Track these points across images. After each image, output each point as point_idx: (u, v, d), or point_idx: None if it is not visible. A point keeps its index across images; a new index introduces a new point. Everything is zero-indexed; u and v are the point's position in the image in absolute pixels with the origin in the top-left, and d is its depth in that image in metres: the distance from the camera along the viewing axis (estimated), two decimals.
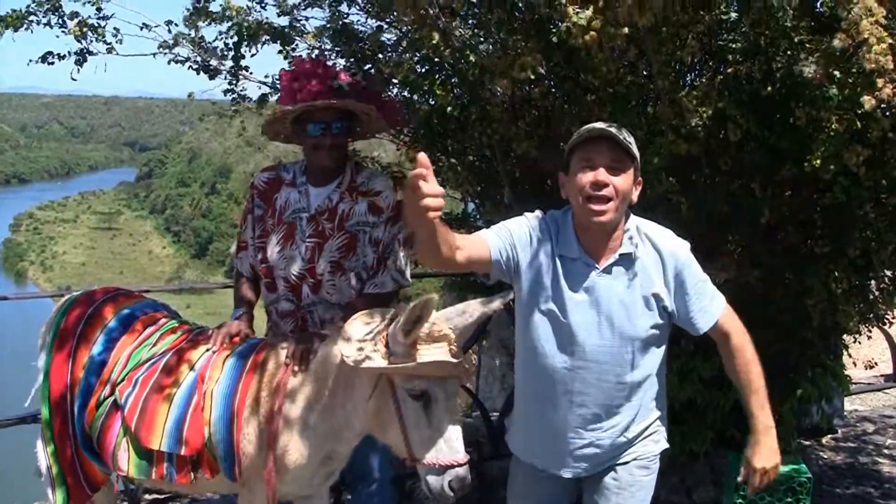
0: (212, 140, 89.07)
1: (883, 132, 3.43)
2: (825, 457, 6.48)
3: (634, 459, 2.95)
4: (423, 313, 2.69)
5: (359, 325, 2.92)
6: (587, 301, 2.78)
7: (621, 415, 2.88)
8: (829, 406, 6.75)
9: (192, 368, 3.28)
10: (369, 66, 4.48)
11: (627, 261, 2.77)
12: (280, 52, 4.65)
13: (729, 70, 3.95)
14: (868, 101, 3.00)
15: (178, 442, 3.15)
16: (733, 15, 3.83)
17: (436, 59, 4.23)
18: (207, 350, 3.34)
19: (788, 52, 3.69)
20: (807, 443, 6.54)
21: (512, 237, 2.84)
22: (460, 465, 2.77)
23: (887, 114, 3.40)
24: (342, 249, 3.47)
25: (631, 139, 2.74)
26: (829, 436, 6.93)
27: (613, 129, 2.70)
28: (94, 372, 3.38)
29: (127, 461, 3.23)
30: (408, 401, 2.80)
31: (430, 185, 2.33)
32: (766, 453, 2.87)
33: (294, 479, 3.19)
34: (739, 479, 2.94)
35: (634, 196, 2.78)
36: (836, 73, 3.24)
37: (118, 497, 5.00)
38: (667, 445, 3.04)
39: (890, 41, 2.90)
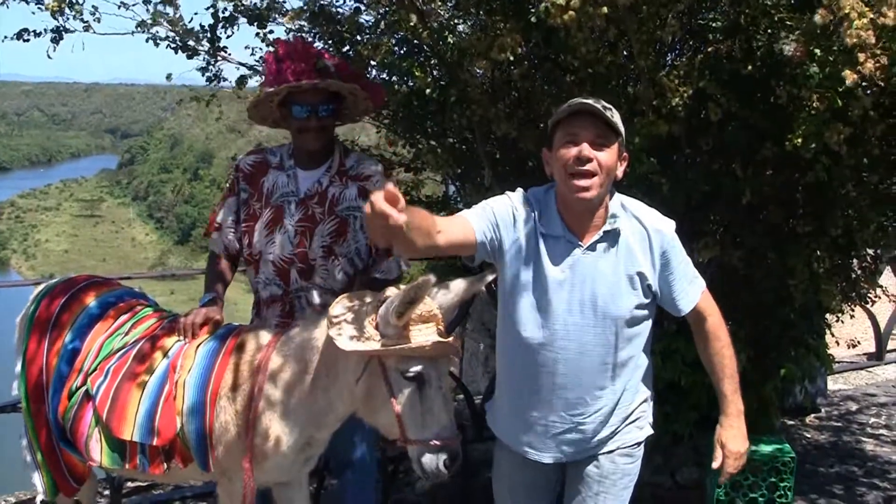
0: (193, 126, 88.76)
1: (864, 110, 3.41)
2: (809, 436, 6.51)
3: (618, 448, 2.92)
4: (417, 295, 2.67)
5: (341, 308, 2.88)
6: (570, 279, 2.74)
7: (604, 398, 2.83)
8: (813, 385, 6.80)
9: (164, 357, 3.24)
10: (347, 48, 4.44)
11: (612, 238, 2.73)
12: (257, 34, 4.60)
13: (709, 49, 3.92)
14: (850, 77, 2.97)
15: (150, 432, 3.12)
16: None
17: (414, 41, 4.20)
18: (178, 340, 3.30)
19: (769, 31, 3.66)
20: (790, 422, 6.59)
21: (494, 216, 2.79)
22: (454, 444, 2.79)
23: (868, 91, 3.37)
24: (333, 234, 3.44)
25: (616, 114, 2.70)
26: (813, 415, 6.97)
27: (597, 104, 2.65)
28: (67, 361, 3.35)
29: (100, 452, 3.20)
30: (401, 382, 2.79)
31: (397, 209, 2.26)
32: (739, 437, 2.88)
33: (273, 466, 3.15)
34: (714, 464, 2.90)
35: (620, 172, 2.74)
36: (817, 50, 3.21)
37: (101, 484, 4.99)
38: (651, 432, 3.00)
39: (871, 16, 2.87)
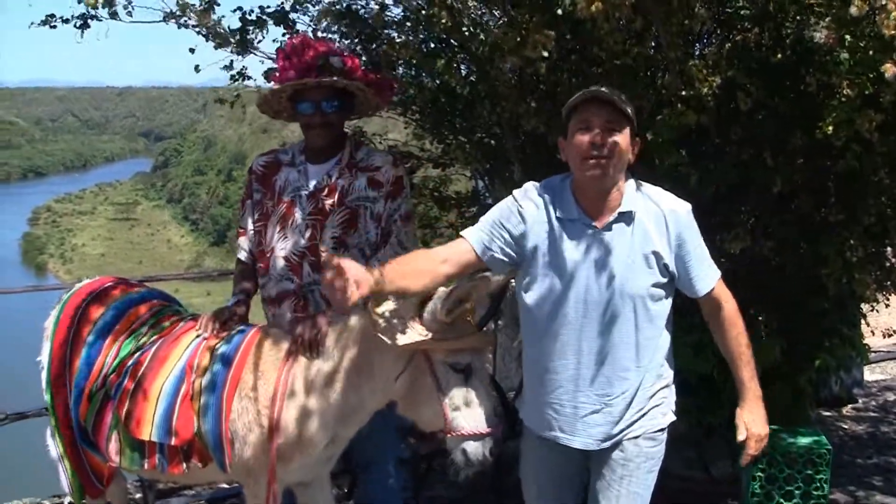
0: (226, 127, 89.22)
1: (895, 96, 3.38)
2: (845, 427, 6.46)
3: (643, 433, 2.94)
4: (469, 294, 2.82)
5: (384, 308, 2.91)
6: (588, 260, 2.80)
7: (630, 378, 2.87)
8: (848, 376, 6.73)
9: (181, 357, 3.25)
10: (375, 45, 4.44)
11: (627, 218, 2.79)
12: (284, 34, 4.61)
13: (737, 38, 3.89)
14: (889, 70, 2.95)
15: (168, 432, 3.14)
16: None
17: (443, 38, 4.19)
18: (198, 336, 3.32)
19: (797, 18, 3.63)
20: (826, 413, 6.52)
21: (494, 221, 2.89)
22: (497, 432, 2.93)
23: None
24: (343, 225, 3.46)
25: (626, 101, 2.77)
26: (850, 406, 6.90)
27: (608, 91, 2.75)
28: (87, 362, 3.37)
29: (118, 452, 3.23)
30: (450, 375, 2.89)
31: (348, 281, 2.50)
32: (759, 421, 2.92)
33: (298, 465, 3.17)
34: (739, 437, 2.93)
35: (631, 156, 2.80)
36: (847, 37, 3.18)
37: (134, 485, 5.05)
38: (674, 418, 3.02)
39: None
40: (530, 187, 2.93)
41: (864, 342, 5.37)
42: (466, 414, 2.89)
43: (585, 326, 2.83)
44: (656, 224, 2.79)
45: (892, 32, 2.85)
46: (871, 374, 7.84)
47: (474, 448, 2.88)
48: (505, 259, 2.87)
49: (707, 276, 2.85)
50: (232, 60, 4.77)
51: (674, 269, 2.81)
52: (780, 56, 3.75)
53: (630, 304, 2.79)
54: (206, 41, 4.51)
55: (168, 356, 3.27)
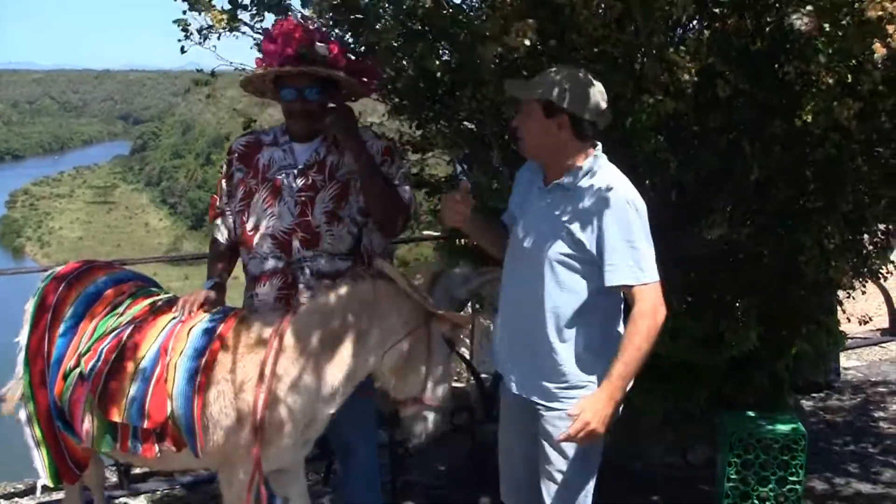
0: (205, 111, 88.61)
1: (874, 84, 3.39)
2: (822, 413, 6.49)
3: (559, 411, 3.01)
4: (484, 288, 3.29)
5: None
6: (528, 218, 3.12)
7: (547, 345, 3.03)
8: (825, 362, 6.76)
9: (156, 339, 3.22)
10: (361, 30, 4.38)
11: (561, 189, 3.02)
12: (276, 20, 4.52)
13: (717, 25, 3.89)
14: (879, 50, 2.95)
15: (141, 415, 3.10)
16: None
17: (424, 22, 4.15)
18: (173, 319, 3.29)
19: (777, 6, 3.63)
20: (803, 399, 6.55)
21: (513, 197, 3.31)
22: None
23: (879, 66, 3.35)
24: (335, 199, 3.45)
25: (545, 84, 3.00)
26: (826, 392, 6.94)
27: (514, 84, 3.13)
28: (64, 343, 3.35)
29: (92, 434, 3.20)
30: (442, 347, 3.15)
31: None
32: (594, 410, 2.81)
33: (279, 450, 3.15)
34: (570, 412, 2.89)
35: (556, 130, 3.00)
36: (826, 25, 3.18)
37: (110, 470, 5.03)
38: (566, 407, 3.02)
39: None
40: (527, 164, 3.30)
41: (841, 329, 5.40)
42: (437, 384, 3.15)
43: (514, 279, 3.15)
44: (589, 203, 2.94)
45: (879, 13, 2.85)
46: (847, 360, 7.88)
47: (434, 418, 3.16)
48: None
49: (619, 272, 2.89)
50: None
51: (591, 250, 2.93)
52: (759, 44, 3.75)
53: (543, 265, 3.01)
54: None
55: (143, 338, 3.23)
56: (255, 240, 3.50)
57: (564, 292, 2.99)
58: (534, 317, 3.03)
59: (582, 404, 2.85)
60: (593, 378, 2.99)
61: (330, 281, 3.31)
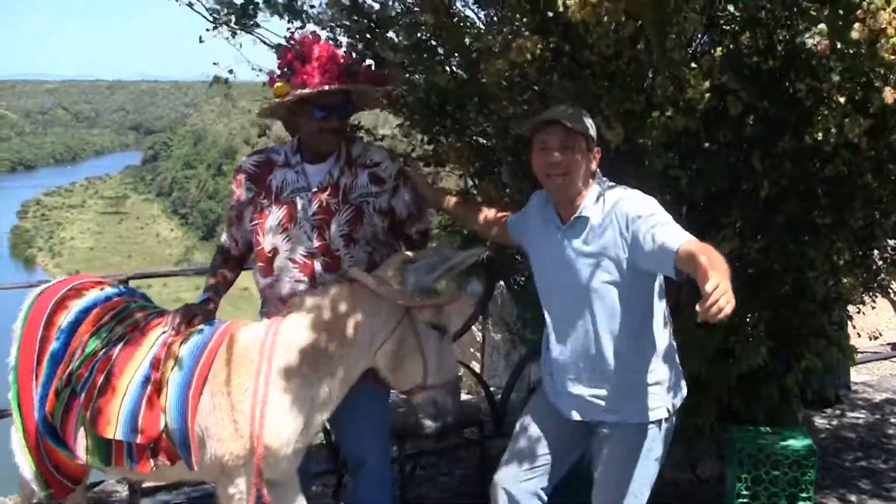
0: (217, 122, 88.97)
1: (884, 102, 3.40)
2: (832, 428, 6.47)
3: (620, 423, 3.17)
4: (461, 265, 3.25)
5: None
6: (555, 256, 3.18)
7: (599, 371, 3.16)
8: (835, 377, 6.75)
9: (147, 353, 3.23)
10: (373, 38, 4.39)
11: (583, 222, 3.10)
12: (288, 28, 4.54)
13: (728, 42, 3.90)
14: (890, 96, 2.99)
15: (134, 430, 3.11)
16: None
17: (434, 41, 4.18)
18: (164, 333, 3.30)
19: (788, 24, 3.64)
20: (813, 414, 6.53)
21: (523, 211, 3.44)
22: (457, 383, 3.41)
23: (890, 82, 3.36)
24: (350, 222, 3.47)
25: (583, 118, 3.11)
26: (836, 407, 6.92)
27: (563, 114, 3.09)
28: (55, 362, 3.34)
29: (86, 450, 3.21)
30: (430, 333, 3.24)
31: None
32: (721, 278, 2.48)
33: (275, 459, 3.17)
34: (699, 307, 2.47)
35: (593, 165, 3.15)
36: (838, 44, 3.20)
37: (120, 482, 5.03)
38: (659, 417, 3.19)
39: None
40: (535, 196, 3.40)
41: (851, 343, 5.40)
42: (436, 368, 3.25)
43: (556, 312, 3.26)
44: (611, 225, 3.05)
45: (892, 58, 2.87)
46: (857, 375, 7.86)
47: (443, 399, 3.26)
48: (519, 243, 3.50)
49: (674, 236, 2.80)
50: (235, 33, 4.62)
51: (633, 262, 2.99)
52: (771, 62, 3.76)
53: (584, 295, 3.12)
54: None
55: (134, 353, 3.25)
56: (277, 262, 3.50)
57: (612, 321, 3.10)
58: (579, 351, 3.18)
59: (714, 281, 2.43)
60: (658, 376, 3.18)
61: (308, 291, 3.38)
